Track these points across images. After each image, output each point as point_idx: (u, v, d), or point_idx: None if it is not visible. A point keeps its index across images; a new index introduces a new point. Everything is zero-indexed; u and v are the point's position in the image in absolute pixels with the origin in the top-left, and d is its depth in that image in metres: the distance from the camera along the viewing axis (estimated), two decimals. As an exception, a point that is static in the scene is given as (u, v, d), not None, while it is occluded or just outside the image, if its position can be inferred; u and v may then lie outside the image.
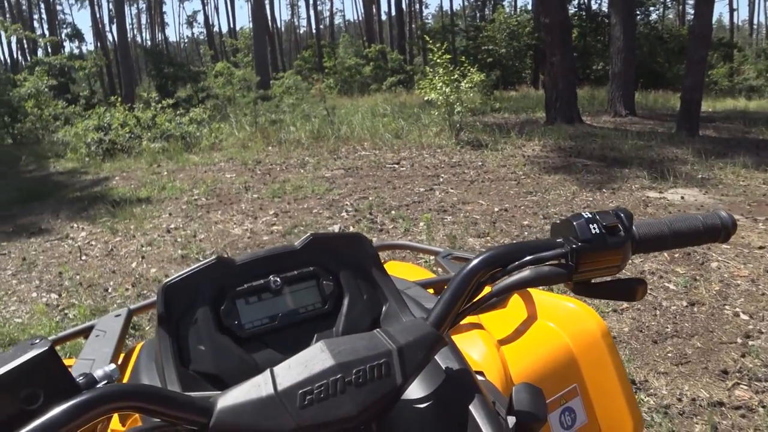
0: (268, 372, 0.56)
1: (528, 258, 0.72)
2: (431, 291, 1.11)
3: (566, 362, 1.04)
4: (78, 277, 4.68)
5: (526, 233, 4.93)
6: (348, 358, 0.57)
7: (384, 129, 10.62)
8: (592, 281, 0.77)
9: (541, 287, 0.88)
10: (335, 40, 33.11)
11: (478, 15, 40.49)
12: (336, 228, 5.36)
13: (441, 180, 7.03)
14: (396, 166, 7.99)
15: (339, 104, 14.85)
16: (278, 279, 0.75)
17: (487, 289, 0.76)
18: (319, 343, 0.59)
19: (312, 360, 0.57)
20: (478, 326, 1.02)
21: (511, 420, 0.63)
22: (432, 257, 1.72)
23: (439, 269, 1.44)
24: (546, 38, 11.71)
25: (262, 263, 0.76)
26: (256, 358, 0.72)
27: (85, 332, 1.33)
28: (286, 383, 0.55)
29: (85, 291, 4.38)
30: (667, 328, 3.31)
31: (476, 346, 0.95)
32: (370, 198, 6.32)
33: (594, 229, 0.73)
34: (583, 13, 24.45)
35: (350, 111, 13.59)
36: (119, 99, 13.83)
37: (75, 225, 6.29)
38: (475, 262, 0.70)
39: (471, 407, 0.62)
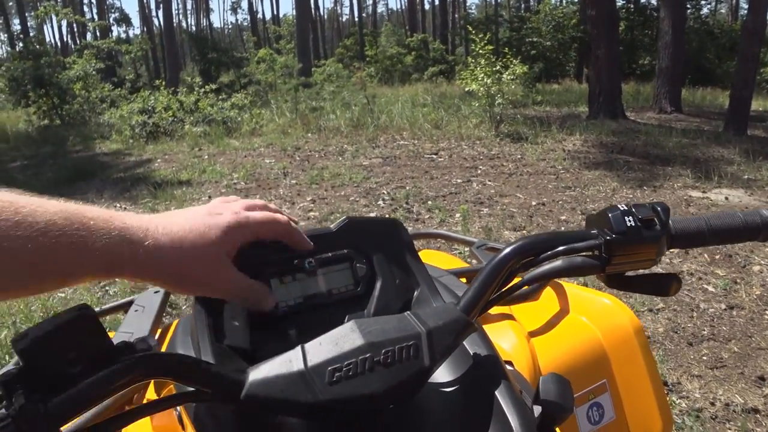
0: (299, 348, 0.58)
1: (561, 248, 0.72)
2: (463, 280, 1.11)
3: (597, 357, 1.03)
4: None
5: (563, 228, 4.87)
6: (378, 339, 0.58)
7: (423, 119, 10.59)
8: (626, 274, 0.77)
9: (574, 281, 0.88)
10: (377, 29, 33.05)
11: (522, 6, 39.94)
12: (372, 216, 5.39)
13: (479, 172, 6.99)
14: (434, 156, 7.96)
15: (379, 93, 14.83)
16: (312, 260, 0.76)
17: (517, 280, 0.76)
18: (350, 322, 0.60)
19: (342, 338, 0.58)
20: (509, 317, 1.02)
21: (537, 409, 0.63)
22: (466, 248, 1.72)
23: (473, 261, 1.45)
24: (591, 30, 11.50)
25: None
26: (288, 336, 0.74)
27: (125, 307, 1.37)
28: (316, 360, 0.57)
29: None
30: (704, 330, 3.24)
31: (506, 336, 0.96)
32: (407, 187, 6.32)
33: (629, 221, 0.72)
34: (631, 6, 23.82)
35: (390, 100, 13.58)
36: (163, 83, 14.07)
37: (118, 205, 6.45)
38: (507, 250, 0.71)
39: (497, 393, 0.62)
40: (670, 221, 0.75)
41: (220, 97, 12.91)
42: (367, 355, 0.57)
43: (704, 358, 2.98)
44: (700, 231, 0.76)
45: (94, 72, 15.82)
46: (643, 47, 21.93)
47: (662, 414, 1.05)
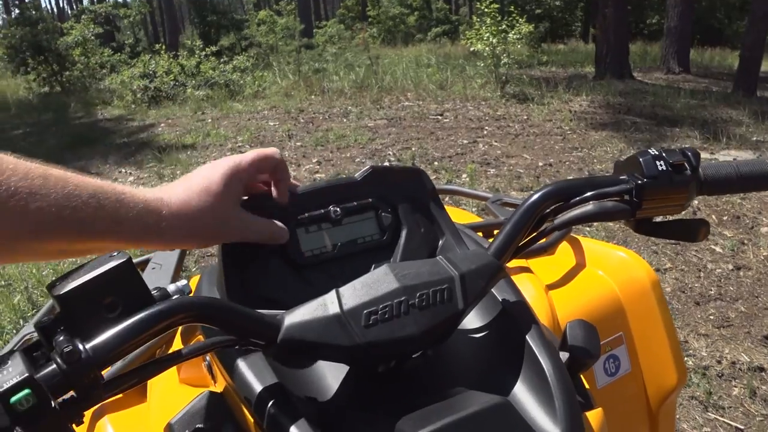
0: (334, 292, 0.58)
1: (591, 193, 0.71)
2: (480, 234, 1.11)
3: (613, 310, 1.04)
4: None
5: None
6: (412, 282, 0.58)
7: (428, 80, 10.49)
8: (653, 220, 0.76)
9: (591, 232, 0.87)
10: (380, -11, 32.46)
11: (527, -36, 39.11)
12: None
13: (485, 132, 6.94)
14: (439, 117, 7.90)
15: (382, 54, 14.64)
16: (338, 209, 0.76)
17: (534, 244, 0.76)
18: (383, 266, 0.60)
19: (377, 282, 0.58)
20: (527, 270, 1.02)
21: (564, 355, 0.63)
22: (480, 203, 1.72)
23: (489, 217, 1.44)
24: (599, -12, 11.27)
25: (323, 193, 0.76)
26: (315, 285, 0.73)
27: (142, 265, 1.38)
28: (351, 303, 0.56)
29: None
30: (711, 290, 3.26)
31: (525, 288, 0.96)
32: (413, 148, 6.29)
33: (660, 165, 0.71)
34: (639, -37, 23.35)
35: (394, 61, 13.43)
36: (163, 47, 13.91)
37: (123, 170, 6.44)
38: (537, 194, 0.70)
39: (528, 338, 0.62)
40: (700, 167, 0.74)
41: (222, 60, 12.77)
42: (402, 298, 0.57)
43: (711, 317, 3.00)
44: (729, 177, 0.75)
45: (92, 37, 15.57)
46: (651, 6, 21.51)
47: (677, 367, 1.05)
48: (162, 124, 8.98)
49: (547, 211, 0.71)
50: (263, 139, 7.25)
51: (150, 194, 0.62)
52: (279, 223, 0.70)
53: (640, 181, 0.71)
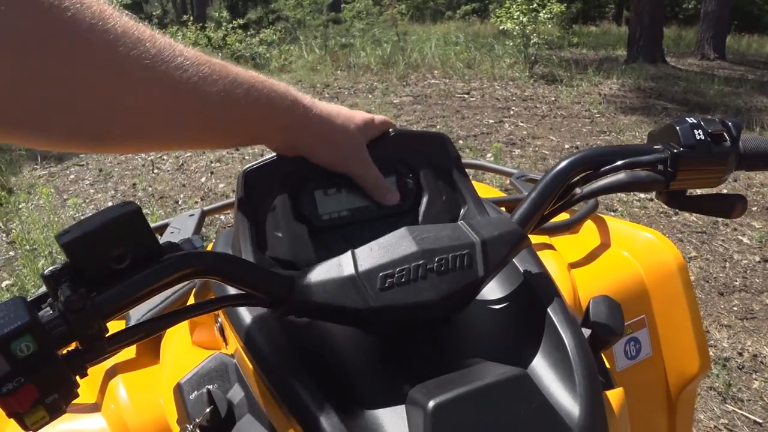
0: (349, 253, 0.56)
1: (623, 161, 0.68)
2: (503, 209, 1.09)
3: (637, 292, 1.01)
4: (150, 188, 4.86)
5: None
6: (431, 246, 0.56)
7: (456, 58, 10.36)
8: (687, 194, 0.73)
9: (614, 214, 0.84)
10: (410, -35, 32.03)
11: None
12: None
13: (511, 113, 6.85)
14: (466, 96, 7.81)
15: (410, 31, 14.49)
16: None
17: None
18: (402, 228, 0.58)
19: (395, 244, 0.56)
20: (549, 247, 1.00)
21: (586, 332, 0.61)
22: (504, 181, 1.69)
23: (513, 192, 1.41)
24: (635, -31, 10.98)
25: None
26: (331, 249, 0.72)
27: (160, 229, 1.38)
28: (367, 265, 0.55)
29: (157, 202, 4.56)
30: (736, 281, 3.19)
31: (547, 265, 0.94)
32: (438, 126, 6.24)
33: (699, 135, 0.68)
34: (678, -56, 22.69)
35: (422, 38, 13.27)
36: (191, 19, 13.91)
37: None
38: (566, 161, 0.67)
39: (549, 310, 0.60)
40: (740, 139, 0.70)
41: (249, 33, 12.74)
42: (420, 262, 0.55)
43: (734, 308, 2.94)
44: None
45: (120, 7, 15.67)
46: (688, -11, 20.98)
47: (700, 354, 1.02)
48: (188, 96, 9.02)
49: (575, 179, 0.68)
50: (288, 113, 7.24)
51: (299, 94, 0.67)
52: (390, 185, 0.73)
53: (675, 150, 0.67)
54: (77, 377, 0.46)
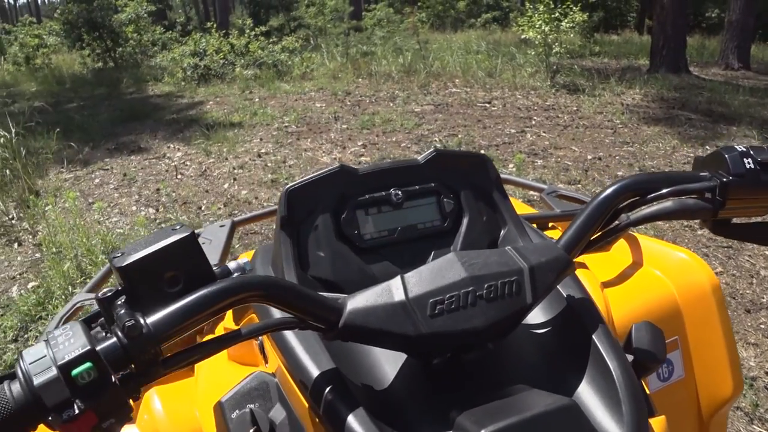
0: (399, 278, 0.56)
1: (670, 189, 0.68)
2: (534, 226, 1.09)
3: (670, 313, 1.00)
4: (174, 194, 4.90)
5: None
6: (480, 272, 0.56)
7: (477, 66, 10.34)
8: (733, 222, 0.72)
9: (640, 229, 0.83)
10: (430, -27, 32.04)
11: (583, -49, 38.08)
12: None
13: (533, 122, 6.82)
14: (487, 105, 7.80)
15: (431, 39, 14.51)
16: (399, 192, 0.74)
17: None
18: (450, 254, 0.58)
19: (444, 270, 0.56)
20: (582, 265, 0.99)
21: (628, 358, 0.61)
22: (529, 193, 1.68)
23: (543, 208, 1.40)
24: (658, -22, 10.88)
25: (385, 175, 0.75)
26: (373, 269, 0.72)
27: None
28: (417, 291, 0.55)
29: (180, 207, 4.59)
30: (763, 298, 3.14)
31: None
32: (460, 135, 6.23)
33: (748, 163, 0.67)
34: (702, -47, 22.46)
35: (443, 46, 13.28)
36: (214, 26, 14.06)
37: (171, 145, 6.55)
38: (613, 188, 0.67)
39: (594, 337, 0.60)
40: None
41: (271, 40, 12.85)
42: (470, 289, 0.55)
43: (762, 326, 2.89)
44: None
45: (145, 15, 15.87)
46: (711, -3, 20.75)
47: (733, 377, 1.01)
48: (210, 102, 9.10)
49: (622, 205, 0.68)
50: (310, 120, 7.28)
51: None
52: None
53: (724, 179, 0.67)
54: (131, 400, 0.46)
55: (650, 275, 1.04)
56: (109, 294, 0.48)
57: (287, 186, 0.71)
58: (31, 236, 4.20)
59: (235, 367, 0.81)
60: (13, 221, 4.46)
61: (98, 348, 0.43)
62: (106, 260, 3.51)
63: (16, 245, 4.09)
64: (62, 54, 17.45)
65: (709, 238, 3.78)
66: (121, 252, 0.49)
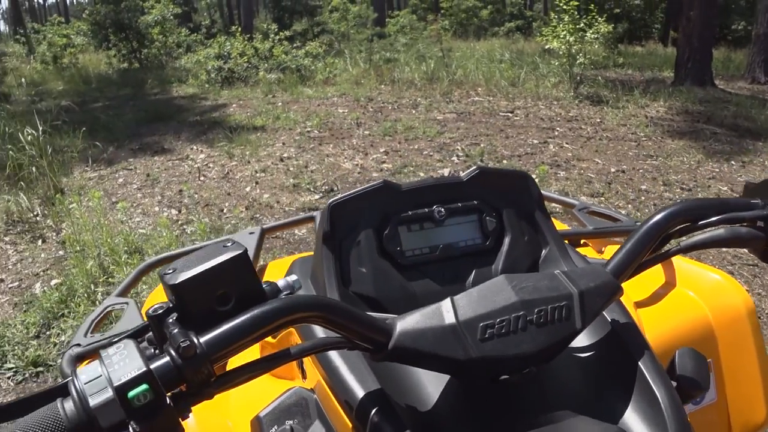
0: (449, 301, 0.55)
1: (723, 216, 0.67)
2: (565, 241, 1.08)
3: (703, 335, 0.98)
4: (196, 195, 4.94)
5: (642, 198, 4.70)
6: (531, 296, 0.55)
7: (500, 75, 10.32)
8: None
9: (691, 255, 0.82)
10: (454, -19, 32.12)
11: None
12: (445, 171, 5.33)
13: (556, 133, 6.78)
14: (510, 114, 7.77)
15: (454, 47, 14.50)
16: (442, 209, 0.74)
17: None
18: (500, 276, 0.57)
19: (494, 293, 0.56)
20: None
21: (672, 384, 0.60)
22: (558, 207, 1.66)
23: (575, 224, 1.39)
24: (685, -10, 10.78)
25: (427, 192, 0.75)
26: (414, 286, 0.72)
27: None
28: (468, 314, 0.54)
29: (202, 209, 4.63)
30: (791, 316, 3.09)
31: None
32: (482, 145, 6.21)
33: None
34: (729, -35, 22.20)
35: (465, 54, 13.28)
36: (239, 29, 14.19)
37: (194, 147, 6.61)
38: (663, 213, 0.67)
39: (640, 363, 0.59)
40: None
41: (294, 45, 12.94)
42: (521, 313, 0.54)
43: (789, 345, 2.84)
44: None
45: (171, 17, 16.08)
46: (738, 10, 20.50)
47: (766, 402, 0.99)
48: (233, 105, 9.17)
49: (673, 231, 0.67)
50: (332, 125, 7.30)
51: None
52: None
53: None
54: (181, 419, 0.46)
55: (684, 296, 1.03)
56: (160, 311, 0.48)
57: (330, 200, 0.71)
58: (55, 233, 4.25)
59: (270, 380, 0.81)
60: (38, 218, 4.52)
61: (152, 367, 0.43)
62: (129, 260, 3.55)
63: (40, 242, 4.14)
64: (89, 54, 17.72)
65: (734, 255, 3.72)
66: (173, 268, 0.49)
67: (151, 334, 0.49)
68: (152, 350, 0.48)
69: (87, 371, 0.42)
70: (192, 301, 0.48)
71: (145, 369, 0.42)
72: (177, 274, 0.48)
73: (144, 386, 0.41)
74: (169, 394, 0.44)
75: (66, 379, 0.44)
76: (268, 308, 0.48)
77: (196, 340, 0.45)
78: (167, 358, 0.44)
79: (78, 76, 13.59)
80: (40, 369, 2.69)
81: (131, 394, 0.41)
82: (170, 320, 0.47)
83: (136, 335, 0.50)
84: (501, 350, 0.53)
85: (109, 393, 0.41)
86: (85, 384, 0.41)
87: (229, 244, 0.52)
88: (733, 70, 13.11)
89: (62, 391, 0.44)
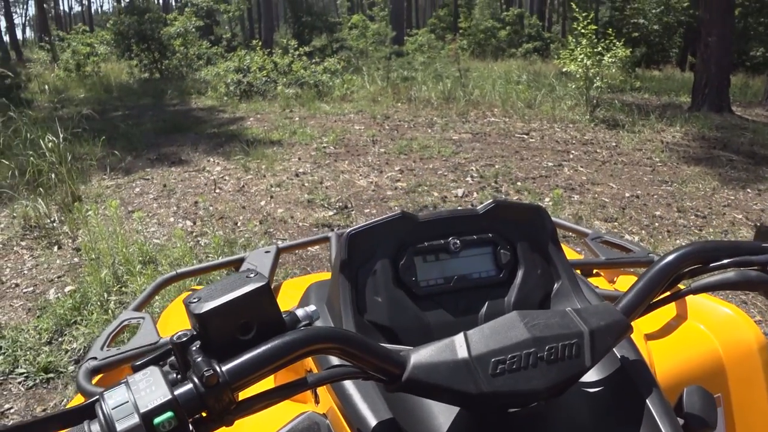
0: (462, 335, 0.57)
1: (734, 259, 0.68)
2: (577, 271, 1.09)
3: (713, 369, 0.98)
4: (211, 208, 4.98)
5: (656, 224, 4.68)
6: (543, 333, 0.57)
7: (516, 97, 10.35)
8: None
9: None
10: (472, 0, 32.30)
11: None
12: (459, 192, 5.34)
13: (571, 156, 6.78)
14: (525, 136, 7.79)
15: (471, 67, 14.58)
16: (458, 241, 0.75)
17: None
18: (513, 313, 0.59)
19: (506, 329, 0.57)
20: None
21: (678, 421, 0.60)
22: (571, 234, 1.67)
23: (588, 253, 1.39)
24: (704, 15, 10.76)
25: (444, 224, 0.76)
26: (428, 316, 0.73)
27: (236, 263, 1.40)
28: (480, 349, 0.56)
29: (217, 222, 4.66)
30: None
31: None
32: (497, 166, 6.22)
33: None
34: (749, -8, 22.12)
35: (483, 75, 13.34)
36: (259, 43, 14.36)
37: (211, 159, 6.67)
38: (676, 254, 0.68)
39: (648, 401, 0.60)
40: None
41: (313, 60, 13.07)
42: (532, 350, 0.56)
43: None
44: None
45: (193, 29, 16.34)
46: (757, 37, 20.40)
47: None
48: (251, 119, 9.25)
49: (683, 272, 0.68)
50: (348, 142, 7.35)
51: None
52: None
53: None
54: None
55: (695, 330, 1.03)
56: (185, 338, 0.49)
57: (349, 230, 0.73)
58: (71, 240, 4.30)
59: (283, 403, 0.82)
60: (55, 224, 4.58)
61: (176, 394, 0.44)
62: (143, 270, 3.58)
63: (56, 248, 4.19)
64: (111, 63, 17.98)
65: (748, 285, 3.69)
66: (198, 297, 0.50)
67: (173, 358, 0.51)
68: (175, 375, 0.49)
69: (113, 396, 0.44)
70: (215, 329, 0.49)
71: (170, 397, 0.43)
72: (202, 304, 0.50)
73: (169, 413, 0.43)
74: (190, 419, 0.46)
75: (90, 399, 0.46)
76: (289, 339, 0.50)
77: (218, 369, 0.46)
78: (190, 386, 0.46)
79: (99, 85, 13.80)
80: (51, 375, 2.71)
81: (156, 421, 0.42)
82: (194, 348, 0.49)
83: (158, 359, 0.52)
84: (512, 386, 0.54)
85: (135, 419, 0.42)
86: (112, 409, 0.43)
87: (252, 275, 0.53)
88: (750, 96, 13.05)
89: (87, 413, 0.45)
